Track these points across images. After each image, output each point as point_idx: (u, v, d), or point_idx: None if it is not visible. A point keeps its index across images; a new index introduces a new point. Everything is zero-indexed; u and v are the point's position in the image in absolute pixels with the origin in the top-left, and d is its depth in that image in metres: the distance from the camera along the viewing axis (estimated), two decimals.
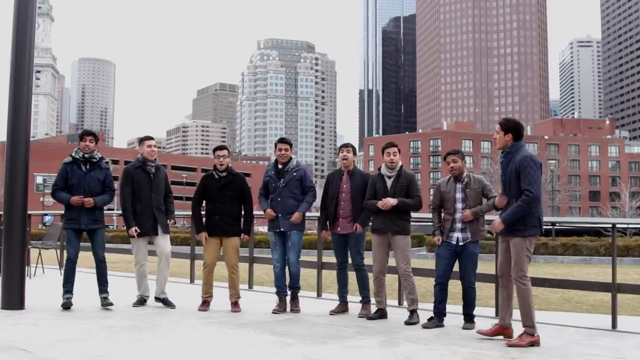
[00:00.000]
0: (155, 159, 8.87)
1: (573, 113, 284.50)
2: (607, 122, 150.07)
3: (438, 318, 7.52)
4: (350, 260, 8.59)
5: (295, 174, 8.56)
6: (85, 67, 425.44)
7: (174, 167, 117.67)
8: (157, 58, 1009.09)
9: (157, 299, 8.78)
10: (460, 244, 7.47)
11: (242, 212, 8.73)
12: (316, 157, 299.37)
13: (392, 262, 8.19)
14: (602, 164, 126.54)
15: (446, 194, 7.60)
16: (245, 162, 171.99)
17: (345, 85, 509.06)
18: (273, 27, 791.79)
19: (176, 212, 13.12)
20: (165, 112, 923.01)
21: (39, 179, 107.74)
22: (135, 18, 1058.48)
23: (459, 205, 7.51)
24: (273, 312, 8.34)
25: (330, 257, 11.23)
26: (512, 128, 6.69)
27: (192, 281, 11.88)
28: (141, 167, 8.73)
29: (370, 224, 8.42)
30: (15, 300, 8.07)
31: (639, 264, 27.68)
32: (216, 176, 8.63)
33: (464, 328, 7.35)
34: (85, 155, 8.31)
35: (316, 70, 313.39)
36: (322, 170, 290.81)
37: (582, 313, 10.85)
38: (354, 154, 8.56)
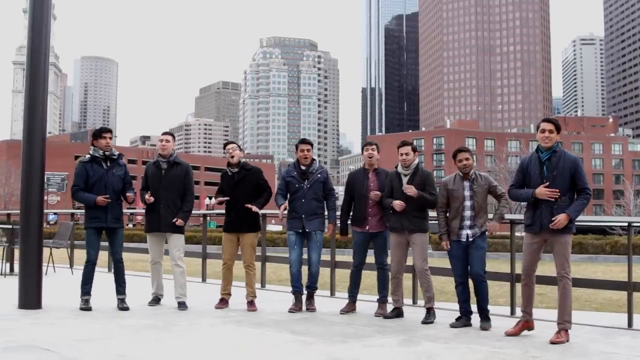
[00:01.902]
0: (172, 155, 8.71)
1: (576, 111, 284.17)
2: (611, 120, 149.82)
3: (465, 317, 7.54)
4: (369, 260, 8.58)
5: (319, 175, 8.60)
6: (88, 66, 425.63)
7: None
8: (159, 56, 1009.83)
9: (177, 302, 8.64)
10: (470, 239, 7.49)
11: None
12: (319, 155, 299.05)
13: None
14: (605, 162, 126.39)
15: (454, 192, 7.61)
16: (248, 161, 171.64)
17: (347, 83, 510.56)
18: (276, 25, 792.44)
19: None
20: (167, 110, 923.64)
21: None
22: (138, 16, 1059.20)
23: (468, 203, 7.53)
24: (289, 311, 8.34)
25: (342, 257, 11.29)
26: (560, 129, 6.93)
27: (204, 280, 11.91)
28: (154, 163, 8.70)
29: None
30: (33, 300, 8.08)
31: None
32: (229, 173, 8.62)
33: (481, 328, 7.30)
34: (106, 152, 8.26)
35: (319, 69, 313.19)
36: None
37: (592, 311, 10.85)
38: (378, 151, 8.55)
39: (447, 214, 7.71)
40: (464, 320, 7.52)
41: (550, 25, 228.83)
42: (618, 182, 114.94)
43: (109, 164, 8.28)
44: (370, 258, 8.62)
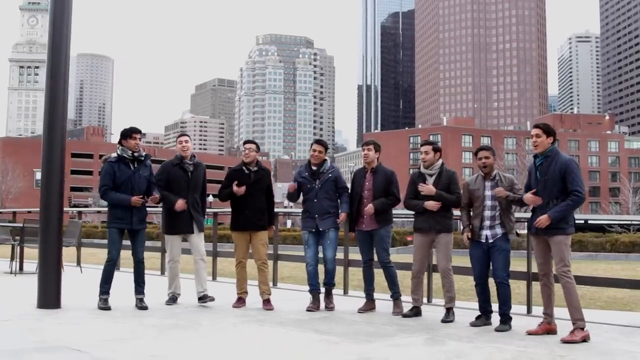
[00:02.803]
0: (193, 156, 8.77)
1: (572, 108, 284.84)
2: (607, 117, 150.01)
3: (485, 317, 7.56)
4: (375, 258, 8.61)
5: (330, 175, 8.63)
6: (84, 63, 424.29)
7: None
8: (155, 53, 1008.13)
9: (199, 299, 8.66)
10: (490, 241, 7.50)
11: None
12: None
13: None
14: (601, 160, 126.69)
15: (475, 191, 7.63)
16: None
17: (343, 80, 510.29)
18: (272, 22, 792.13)
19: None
20: (163, 107, 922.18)
21: (38, 175, 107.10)
22: (134, 13, 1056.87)
23: (488, 203, 7.54)
24: (308, 310, 8.36)
25: (356, 255, 11.30)
26: (553, 132, 6.99)
27: (214, 278, 11.92)
28: (179, 165, 8.67)
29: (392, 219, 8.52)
30: (52, 300, 8.07)
31: None
32: (246, 171, 8.62)
33: (496, 330, 7.21)
34: (135, 153, 8.24)
35: (315, 66, 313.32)
36: None
37: (599, 310, 10.93)
38: (376, 150, 8.56)
39: (471, 213, 7.75)
40: (483, 319, 7.55)
41: (546, 22, 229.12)
42: (614, 180, 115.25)
43: (136, 165, 8.26)
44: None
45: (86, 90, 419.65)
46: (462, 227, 7.83)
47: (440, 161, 8.15)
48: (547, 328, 6.95)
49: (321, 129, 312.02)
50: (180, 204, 8.24)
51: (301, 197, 8.81)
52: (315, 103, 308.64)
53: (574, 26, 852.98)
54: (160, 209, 9.11)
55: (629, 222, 36.95)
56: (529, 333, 6.94)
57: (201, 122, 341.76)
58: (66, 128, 8.47)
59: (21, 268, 12.82)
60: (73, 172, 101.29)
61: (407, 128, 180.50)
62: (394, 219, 8.80)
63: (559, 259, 6.77)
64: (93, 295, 8.63)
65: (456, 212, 8.27)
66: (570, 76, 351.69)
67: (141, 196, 8.15)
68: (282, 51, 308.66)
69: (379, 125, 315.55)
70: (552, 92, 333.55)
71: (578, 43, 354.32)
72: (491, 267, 7.58)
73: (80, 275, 12.43)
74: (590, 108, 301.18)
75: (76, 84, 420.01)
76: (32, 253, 13.67)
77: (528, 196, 6.97)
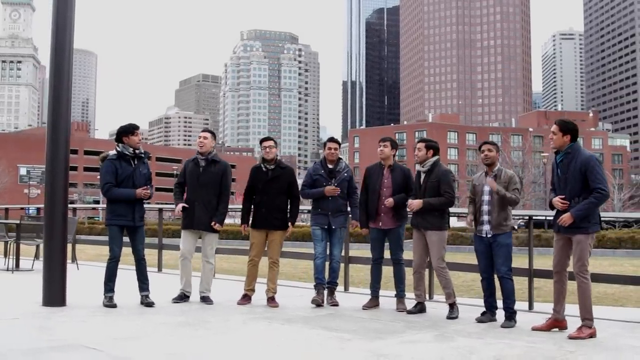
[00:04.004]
0: (211, 152, 8.70)
1: (555, 105, 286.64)
2: (591, 114, 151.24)
3: (490, 312, 7.61)
4: (387, 256, 8.65)
5: (346, 174, 8.70)
6: None
7: (158, 159, 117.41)
8: (139, 48, 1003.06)
9: (200, 298, 8.69)
10: (489, 236, 7.58)
11: (288, 206, 8.77)
12: (299, 149, 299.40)
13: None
14: None
15: (476, 186, 7.77)
16: (229, 154, 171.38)
17: (328, 76, 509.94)
18: (256, 18, 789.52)
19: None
20: (147, 103, 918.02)
21: (23, 171, 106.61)
22: (117, 8, 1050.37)
23: (485, 198, 7.63)
24: (313, 302, 8.45)
25: (357, 252, 11.39)
26: (571, 130, 6.93)
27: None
28: (194, 160, 8.69)
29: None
30: (58, 297, 8.03)
31: (631, 256, 28.00)
32: (264, 169, 8.61)
33: (502, 326, 7.27)
34: (136, 150, 8.22)
35: (299, 62, 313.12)
36: (305, 162, 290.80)
37: (599, 306, 11.03)
38: (392, 147, 8.59)
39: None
40: (489, 315, 7.60)
41: (530, 19, 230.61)
42: None
43: (136, 162, 8.23)
44: (386, 253, 8.69)
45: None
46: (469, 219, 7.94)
47: (433, 159, 8.17)
48: (555, 323, 7.00)
49: (306, 125, 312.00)
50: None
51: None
52: (300, 99, 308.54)
53: (558, 23, 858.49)
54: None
55: (614, 219, 37.20)
56: (534, 329, 7.00)
57: (185, 117, 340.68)
58: (70, 126, 8.42)
59: (17, 265, 12.75)
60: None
61: (392, 124, 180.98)
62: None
63: (577, 258, 6.77)
64: (94, 292, 8.62)
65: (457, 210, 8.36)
66: (554, 73, 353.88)
67: (146, 187, 8.15)
68: (266, 47, 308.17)
69: (363, 122, 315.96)
70: (536, 89, 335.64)
71: (562, 40, 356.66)
72: (494, 263, 7.65)
73: (77, 272, 12.37)
74: (574, 105, 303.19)
75: None
76: (26, 250, 13.68)
77: (556, 200, 6.90)
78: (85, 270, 12.56)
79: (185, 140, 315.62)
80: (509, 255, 7.60)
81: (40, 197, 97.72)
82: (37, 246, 13.40)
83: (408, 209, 8.14)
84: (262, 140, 8.79)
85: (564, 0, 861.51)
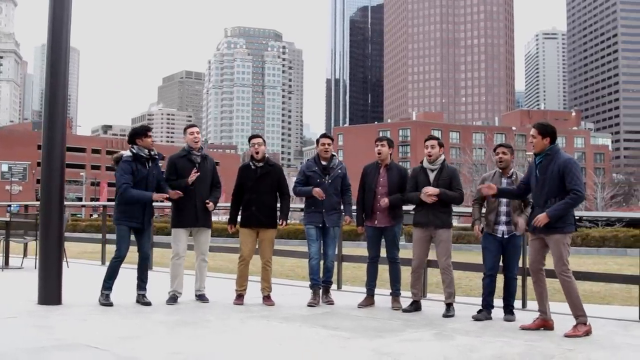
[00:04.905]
0: (201, 148, 8.65)
1: (538, 104, 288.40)
2: (574, 114, 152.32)
3: (487, 310, 7.69)
4: (383, 254, 8.67)
5: (339, 171, 8.69)
6: None
7: None
8: (121, 45, 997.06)
9: (196, 295, 8.67)
10: (506, 236, 7.66)
11: (278, 204, 8.74)
12: (283, 146, 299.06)
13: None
14: None
15: None
16: (212, 151, 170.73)
17: (312, 74, 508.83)
18: (240, 14, 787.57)
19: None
20: (130, 99, 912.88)
21: (4, 167, 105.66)
22: (100, 4, 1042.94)
23: (504, 199, 7.68)
24: (309, 305, 8.42)
25: (348, 250, 11.41)
26: (550, 132, 7.08)
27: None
28: (186, 156, 8.55)
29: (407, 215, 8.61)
30: (54, 296, 7.98)
31: (615, 254, 28.22)
32: (252, 166, 8.55)
33: (505, 320, 7.52)
34: (151, 152, 8.16)
35: (283, 59, 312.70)
36: (289, 159, 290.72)
37: (588, 304, 11.14)
38: (389, 147, 8.61)
39: (484, 208, 7.91)
40: (485, 313, 7.68)
41: (513, 19, 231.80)
42: None
43: (150, 164, 8.18)
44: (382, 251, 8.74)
45: None
46: (472, 221, 7.97)
47: (442, 157, 8.23)
48: (542, 323, 7.08)
49: (289, 123, 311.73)
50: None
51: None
52: (283, 96, 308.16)
53: (541, 23, 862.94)
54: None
55: (596, 218, 37.46)
56: (523, 328, 7.08)
57: (168, 114, 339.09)
58: (66, 124, 8.38)
59: (7, 263, 12.68)
60: (40, 164, 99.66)
61: (376, 122, 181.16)
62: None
63: (557, 258, 6.85)
64: (87, 290, 8.62)
65: (457, 209, 8.40)
66: (537, 72, 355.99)
67: (165, 196, 8.19)
68: (250, 44, 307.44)
69: (347, 119, 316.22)
70: (519, 88, 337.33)
71: (545, 40, 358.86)
72: (503, 263, 7.78)
73: (67, 270, 12.29)
74: (556, 104, 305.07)
75: (41, 74, 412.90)
76: (15, 248, 13.58)
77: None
78: (75, 268, 12.49)
79: (168, 137, 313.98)
80: (519, 256, 7.85)
81: (22, 193, 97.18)
82: (26, 244, 13.35)
83: (425, 198, 7.93)
84: (250, 138, 8.75)
85: (548, 0, 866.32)
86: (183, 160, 8.57)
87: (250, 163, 8.61)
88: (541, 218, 6.81)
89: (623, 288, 12.49)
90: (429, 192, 7.91)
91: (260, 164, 8.57)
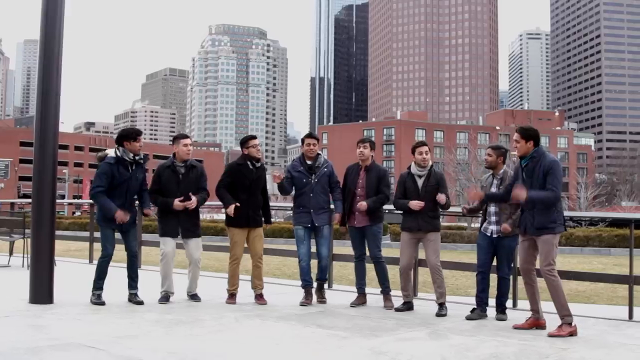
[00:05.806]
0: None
1: (521, 104, 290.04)
2: (557, 113, 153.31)
3: (480, 308, 7.75)
4: (367, 253, 8.71)
5: (325, 169, 8.68)
6: (31, 49, 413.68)
7: None
8: (105, 41, 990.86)
9: (188, 294, 8.64)
10: (494, 236, 7.73)
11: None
12: (267, 145, 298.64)
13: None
14: None
15: (483, 188, 7.93)
16: (196, 149, 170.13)
17: (296, 72, 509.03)
18: (225, 12, 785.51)
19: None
20: (113, 96, 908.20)
21: None
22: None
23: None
24: (301, 305, 8.42)
25: (338, 249, 11.42)
26: (533, 135, 7.12)
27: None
28: (170, 167, 8.43)
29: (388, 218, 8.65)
30: (45, 295, 7.93)
31: (599, 254, 28.45)
32: (251, 166, 8.49)
33: (497, 319, 7.58)
34: (136, 156, 8.05)
35: (268, 57, 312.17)
36: (273, 158, 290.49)
37: (578, 304, 11.23)
38: (372, 148, 8.62)
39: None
40: (478, 311, 7.73)
41: (498, 18, 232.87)
42: (563, 175, 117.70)
43: (133, 168, 8.08)
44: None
45: (33, 77, 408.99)
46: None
47: (430, 162, 8.30)
48: (535, 323, 7.16)
49: (274, 121, 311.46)
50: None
51: (293, 191, 8.84)
52: (268, 95, 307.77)
53: (525, 23, 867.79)
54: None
55: (580, 218, 37.70)
56: (516, 327, 7.14)
57: (152, 111, 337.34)
58: (59, 121, 8.30)
59: None
60: (22, 161, 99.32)
61: (360, 121, 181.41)
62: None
63: (544, 257, 6.93)
64: (78, 289, 8.58)
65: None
66: (521, 72, 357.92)
67: (127, 216, 7.99)
68: (235, 41, 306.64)
69: (331, 118, 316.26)
70: (503, 88, 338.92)
71: (528, 40, 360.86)
72: (496, 262, 7.84)
73: (55, 269, 12.20)
74: (540, 104, 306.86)
75: (23, 70, 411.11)
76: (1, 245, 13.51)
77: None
78: (62, 267, 12.37)
79: (151, 134, 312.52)
80: (512, 256, 7.92)
81: (4, 191, 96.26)
82: (12, 242, 13.24)
83: (413, 205, 8.08)
84: (248, 139, 8.65)
85: (532, 0, 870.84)
86: (168, 171, 8.46)
87: (248, 163, 8.53)
88: (521, 192, 6.82)
89: (608, 287, 12.61)
90: (418, 206, 8.08)
91: (258, 164, 8.57)
